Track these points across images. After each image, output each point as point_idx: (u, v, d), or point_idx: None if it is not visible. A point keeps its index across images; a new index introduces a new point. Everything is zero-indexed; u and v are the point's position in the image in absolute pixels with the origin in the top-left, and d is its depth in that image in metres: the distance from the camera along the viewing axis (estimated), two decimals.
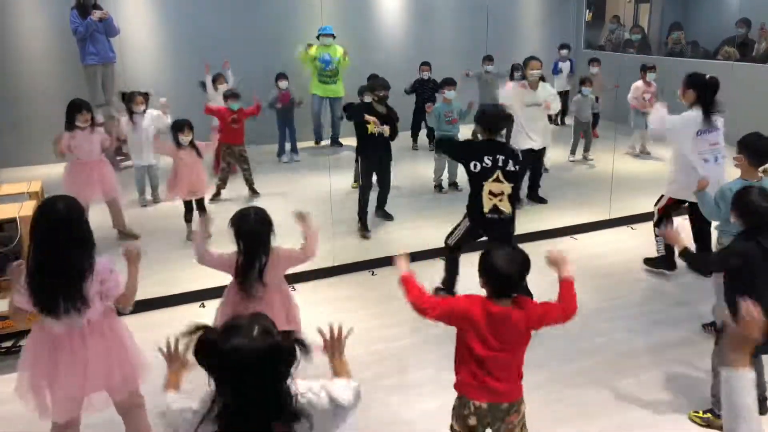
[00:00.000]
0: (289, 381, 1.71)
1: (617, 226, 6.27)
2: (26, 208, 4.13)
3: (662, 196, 5.02)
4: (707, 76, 4.73)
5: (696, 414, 3.37)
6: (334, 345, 2.22)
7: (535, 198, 6.90)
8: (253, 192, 7.06)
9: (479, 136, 4.56)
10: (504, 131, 8.53)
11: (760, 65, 8.86)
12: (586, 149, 8.56)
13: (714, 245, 4.14)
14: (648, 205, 6.10)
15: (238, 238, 3.13)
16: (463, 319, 2.52)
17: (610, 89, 8.79)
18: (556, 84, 9.93)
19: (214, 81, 7.84)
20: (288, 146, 8.69)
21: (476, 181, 4.32)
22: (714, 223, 4.29)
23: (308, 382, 1.85)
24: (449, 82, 7.04)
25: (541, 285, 4.89)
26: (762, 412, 3.42)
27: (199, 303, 4.70)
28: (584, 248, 5.79)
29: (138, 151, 6.62)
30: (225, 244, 3.24)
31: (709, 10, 11.31)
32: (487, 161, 4.27)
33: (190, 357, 1.77)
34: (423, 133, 9.11)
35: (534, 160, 6.74)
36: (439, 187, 7.23)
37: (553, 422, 3.40)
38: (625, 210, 6.41)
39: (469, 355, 2.54)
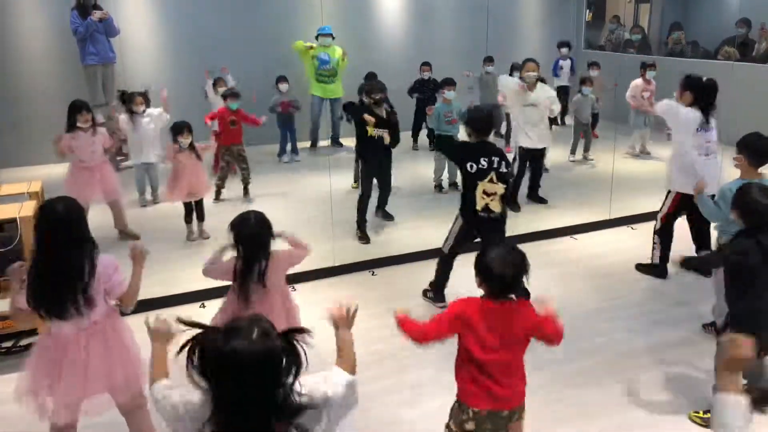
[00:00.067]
0: (290, 380, 1.70)
1: (617, 226, 6.27)
2: (26, 209, 4.13)
3: (667, 196, 5.00)
4: (704, 79, 4.74)
5: (696, 414, 3.37)
6: (341, 319, 2.23)
7: (535, 198, 6.91)
8: (246, 193, 7.02)
9: (470, 137, 4.57)
10: (501, 130, 8.63)
11: (760, 65, 8.86)
12: (586, 149, 8.56)
13: (714, 245, 4.14)
14: (648, 205, 6.11)
15: (238, 242, 3.14)
16: (460, 322, 2.50)
17: (609, 89, 8.79)
18: (557, 81, 9.94)
19: (215, 84, 7.85)
20: (288, 147, 8.69)
21: (472, 180, 4.35)
22: (713, 224, 4.28)
23: (308, 377, 1.85)
24: (449, 83, 7.04)
25: (541, 285, 4.91)
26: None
27: (200, 303, 4.70)
28: (584, 248, 5.79)
29: (138, 150, 6.60)
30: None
31: (709, 10, 11.31)
32: (483, 162, 4.31)
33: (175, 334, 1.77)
34: (423, 134, 9.11)
35: (534, 160, 6.75)
36: (439, 187, 7.23)
37: (553, 422, 3.40)
38: (625, 210, 6.41)
39: (469, 359, 2.52)
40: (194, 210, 5.87)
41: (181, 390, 1.88)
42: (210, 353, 1.64)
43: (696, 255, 3.33)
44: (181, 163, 5.61)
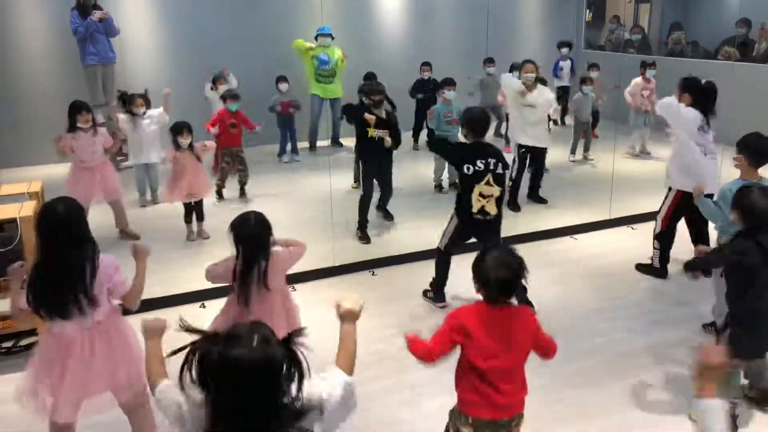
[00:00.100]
0: (291, 386, 1.70)
1: (617, 226, 6.27)
2: (26, 209, 4.13)
3: (667, 195, 4.99)
4: (704, 81, 4.74)
5: None
6: (350, 313, 2.24)
7: (536, 198, 6.91)
8: (243, 194, 7.03)
9: (466, 138, 4.57)
10: (501, 130, 8.62)
11: (760, 65, 8.86)
12: (586, 149, 8.56)
13: (714, 245, 4.14)
14: (648, 205, 6.11)
15: (238, 243, 3.14)
16: (459, 333, 2.47)
17: (610, 89, 8.79)
18: (557, 82, 9.94)
19: (215, 81, 7.84)
20: (288, 147, 8.69)
21: (468, 183, 4.35)
22: (713, 224, 4.28)
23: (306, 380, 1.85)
24: (449, 83, 7.04)
25: (541, 285, 4.91)
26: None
27: (200, 303, 4.70)
28: (584, 248, 5.79)
29: (138, 150, 6.60)
30: (225, 245, 3.24)
31: (709, 10, 11.31)
32: (480, 164, 4.30)
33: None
34: (424, 134, 9.10)
35: (535, 160, 6.75)
36: (439, 187, 7.23)
37: (553, 422, 3.40)
38: (625, 210, 6.41)
39: (470, 368, 2.49)
40: (194, 210, 5.88)
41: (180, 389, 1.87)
42: (210, 361, 1.63)
43: (695, 257, 3.33)
44: (181, 163, 5.60)
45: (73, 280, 2.65)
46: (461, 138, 4.73)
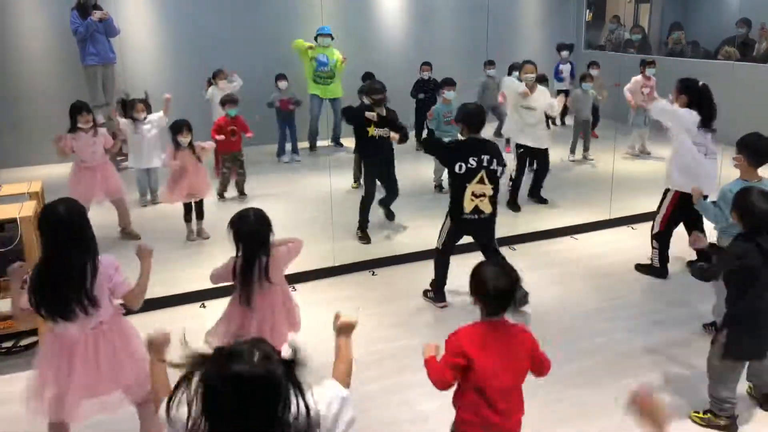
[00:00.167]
0: (291, 403, 1.69)
1: (617, 226, 6.27)
2: (27, 209, 4.13)
3: (665, 196, 4.99)
4: (700, 83, 4.74)
5: (696, 414, 3.38)
6: (347, 326, 2.23)
7: (536, 197, 6.90)
8: (241, 194, 7.07)
9: (461, 134, 4.57)
10: (500, 129, 8.61)
11: (760, 65, 8.86)
12: (586, 149, 8.56)
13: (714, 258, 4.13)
14: (648, 204, 6.10)
15: (238, 240, 3.14)
16: (462, 355, 2.45)
17: (610, 86, 8.79)
18: (557, 85, 9.93)
19: (215, 77, 7.83)
20: (288, 146, 8.68)
21: (460, 182, 4.34)
22: (710, 224, 4.27)
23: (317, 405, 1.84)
24: (449, 83, 7.03)
25: (541, 285, 4.92)
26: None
27: (200, 303, 4.70)
28: (584, 248, 5.79)
29: (138, 155, 6.59)
30: (225, 245, 3.24)
31: (710, 10, 11.31)
32: (472, 162, 4.29)
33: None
34: (425, 134, 9.09)
35: (537, 160, 6.75)
36: (439, 187, 7.23)
37: (553, 422, 3.40)
38: (625, 210, 6.41)
39: (470, 388, 2.47)
40: (194, 209, 5.88)
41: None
42: (211, 377, 1.62)
43: (701, 265, 3.32)
44: (182, 163, 5.60)
45: (74, 281, 2.65)
46: (460, 138, 4.73)
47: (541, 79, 7.25)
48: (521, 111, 6.52)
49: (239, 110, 6.93)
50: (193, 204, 5.85)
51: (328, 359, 2.21)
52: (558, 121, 10.54)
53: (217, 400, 1.62)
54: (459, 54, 9.87)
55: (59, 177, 6.46)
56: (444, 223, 4.62)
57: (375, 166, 5.88)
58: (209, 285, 3.48)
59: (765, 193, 3.15)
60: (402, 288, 5.00)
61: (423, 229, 6.01)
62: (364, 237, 5.83)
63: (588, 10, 11.74)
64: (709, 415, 3.32)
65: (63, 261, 2.65)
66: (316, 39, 8.63)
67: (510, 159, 6.66)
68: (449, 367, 2.46)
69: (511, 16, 10.87)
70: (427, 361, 2.55)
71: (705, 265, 3.30)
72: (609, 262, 5.46)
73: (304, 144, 9.02)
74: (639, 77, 8.36)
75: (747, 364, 3.38)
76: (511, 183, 6.68)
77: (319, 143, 9.15)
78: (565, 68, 10.08)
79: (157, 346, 2.22)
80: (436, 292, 4.69)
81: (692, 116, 4.71)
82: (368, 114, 5.61)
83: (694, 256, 4.99)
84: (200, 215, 5.90)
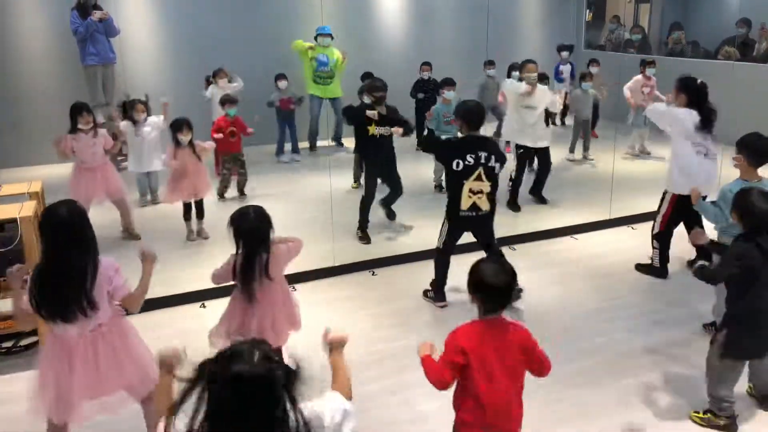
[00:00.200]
0: (290, 404, 1.69)
1: (617, 226, 6.27)
2: (27, 209, 4.13)
3: (664, 197, 5.00)
4: (698, 81, 4.74)
5: (696, 414, 3.38)
6: (339, 341, 2.21)
7: (537, 195, 6.89)
8: (241, 194, 7.09)
9: (461, 131, 4.57)
10: (501, 130, 8.62)
11: (760, 65, 8.86)
12: (586, 148, 8.56)
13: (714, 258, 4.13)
14: (648, 204, 6.10)
15: (238, 237, 3.14)
16: (461, 354, 2.45)
17: (610, 84, 8.79)
18: (557, 86, 9.92)
19: (215, 76, 7.83)
20: (288, 146, 8.68)
21: (457, 179, 4.35)
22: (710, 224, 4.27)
23: (307, 403, 1.84)
24: (449, 83, 7.03)
25: (541, 285, 4.92)
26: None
27: (200, 303, 4.70)
28: (584, 248, 5.79)
29: (138, 158, 6.59)
30: (225, 245, 3.24)
31: (710, 10, 11.31)
32: (470, 159, 4.30)
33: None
34: (425, 134, 9.09)
35: (538, 158, 6.74)
36: (439, 187, 7.23)
37: (553, 422, 3.40)
38: (625, 210, 6.41)
39: (469, 388, 2.47)
40: (193, 207, 5.87)
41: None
42: (212, 377, 1.63)
43: (702, 263, 3.32)
44: (182, 162, 5.60)
45: (74, 282, 2.65)
46: (460, 135, 4.73)
47: (542, 78, 7.25)
48: (522, 111, 6.52)
49: (239, 111, 6.93)
50: (193, 203, 5.85)
51: (327, 358, 2.21)
52: (558, 121, 10.54)
53: (218, 400, 1.63)
54: (459, 54, 9.87)
55: (59, 177, 6.46)
56: (443, 222, 4.63)
57: (376, 165, 5.86)
58: (209, 285, 3.48)
59: (765, 194, 3.15)
60: (402, 288, 5.00)
61: (423, 229, 6.01)
62: (364, 237, 5.83)
63: (588, 10, 11.74)
64: (708, 415, 3.32)
65: (64, 262, 2.65)
66: (316, 39, 8.63)
67: (510, 159, 6.68)
68: (448, 367, 2.45)
69: (511, 16, 10.86)
70: (423, 360, 2.54)
71: (707, 264, 3.30)
72: (609, 262, 5.46)
73: (304, 144, 9.01)
74: (639, 77, 8.36)
75: (747, 364, 3.39)
76: (511, 183, 6.68)
77: (319, 143, 9.14)
78: (566, 69, 10.08)
79: (168, 364, 2.19)
80: (436, 291, 4.69)
81: (691, 116, 4.70)
82: (369, 113, 5.60)
83: (694, 256, 5.00)
84: (200, 214, 5.90)
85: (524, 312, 4.30)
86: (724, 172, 4.86)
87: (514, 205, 6.66)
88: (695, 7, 11.60)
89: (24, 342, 4.19)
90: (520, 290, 4.27)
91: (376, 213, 6.14)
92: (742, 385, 3.44)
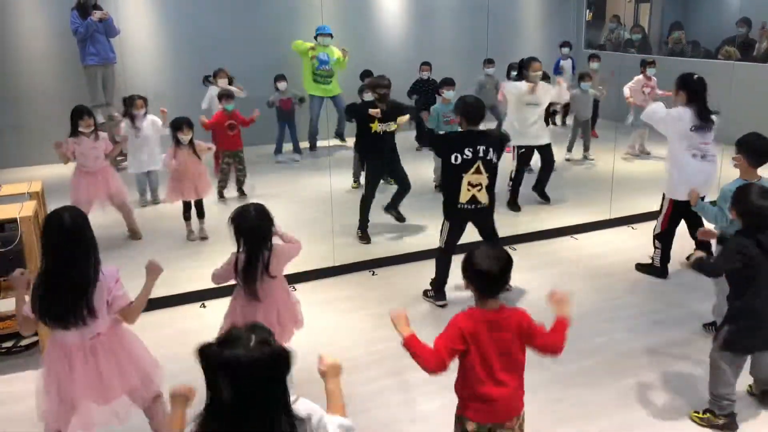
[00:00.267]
0: (290, 394, 1.70)
1: (617, 226, 6.27)
2: (27, 209, 4.13)
3: (663, 199, 5.00)
4: (695, 77, 4.73)
5: (696, 414, 3.37)
6: (334, 367, 2.16)
7: (540, 193, 6.87)
8: (241, 193, 7.09)
9: (461, 126, 4.57)
10: (499, 129, 8.62)
11: (761, 65, 8.85)
12: (586, 148, 8.55)
13: (714, 245, 4.13)
14: (648, 204, 6.11)
15: (239, 236, 3.14)
16: (461, 339, 2.44)
17: (609, 78, 8.79)
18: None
19: (215, 76, 7.83)
20: (287, 146, 8.67)
21: (456, 173, 4.35)
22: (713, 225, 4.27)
23: (312, 405, 1.85)
24: (448, 83, 7.02)
25: (541, 285, 4.91)
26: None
27: (200, 303, 4.70)
28: (584, 248, 5.79)
29: (137, 157, 6.60)
30: (225, 245, 3.24)
31: (710, 10, 11.30)
32: (468, 153, 4.30)
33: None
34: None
35: (540, 156, 6.74)
36: (439, 187, 7.22)
37: (554, 422, 3.40)
38: (626, 210, 6.41)
39: (472, 374, 2.48)
40: (193, 207, 5.87)
41: None
42: (209, 363, 1.64)
43: (701, 256, 3.32)
44: (183, 163, 5.60)
45: (76, 289, 2.64)
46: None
47: (543, 78, 7.25)
48: (524, 109, 6.49)
49: (238, 106, 6.92)
50: (193, 202, 5.85)
51: (320, 354, 2.21)
52: (559, 121, 10.54)
53: (214, 383, 1.64)
54: (459, 54, 9.87)
55: (59, 177, 6.47)
56: (443, 221, 4.62)
57: (379, 163, 5.83)
58: (209, 285, 3.48)
59: (764, 190, 3.15)
60: (402, 288, 5.00)
61: (423, 229, 6.02)
62: (364, 237, 5.83)
63: (588, 10, 11.74)
64: (708, 414, 3.32)
65: (66, 269, 2.64)
66: (315, 38, 8.63)
67: (510, 160, 6.69)
68: (448, 354, 2.44)
69: (511, 16, 10.86)
70: (410, 343, 2.44)
71: (705, 256, 3.31)
72: (609, 262, 5.46)
73: (304, 144, 9.01)
74: (640, 77, 8.36)
75: (749, 360, 3.38)
76: (511, 183, 6.68)
77: (319, 143, 9.14)
78: (566, 64, 10.10)
79: (181, 400, 2.12)
80: (437, 291, 4.69)
81: (686, 115, 4.68)
82: (372, 111, 5.58)
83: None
84: (201, 214, 5.90)
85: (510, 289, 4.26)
86: (724, 172, 4.86)
87: (514, 205, 6.66)
88: (695, 7, 11.60)
89: (24, 342, 4.19)
90: (509, 288, 4.28)
91: (376, 213, 6.13)
92: (742, 384, 3.44)
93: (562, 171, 8.06)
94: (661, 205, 5.01)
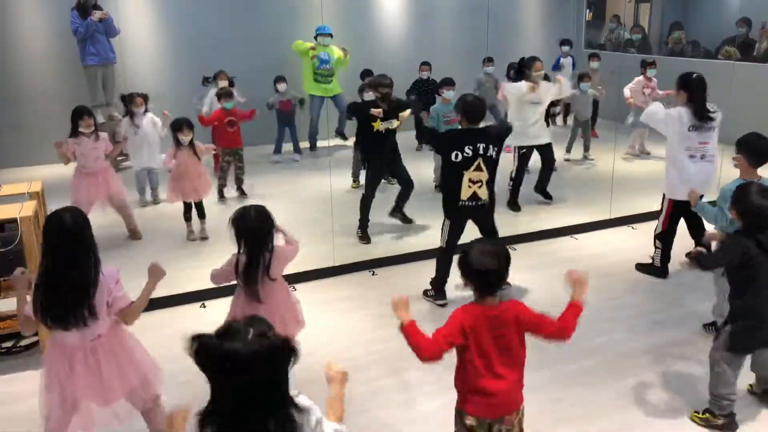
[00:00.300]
0: (290, 385, 1.71)
1: (617, 226, 6.27)
2: (27, 209, 4.13)
3: (663, 200, 5.00)
4: (694, 75, 4.73)
5: (696, 414, 3.38)
6: (340, 378, 2.16)
7: (542, 192, 6.86)
8: (242, 193, 7.10)
9: (461, 125, 4.58)
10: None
11: (761, 65, 8.85)
12: (586, 148, 8.55)
13: (714, 246, 4.13)
14: (648, 204, 6.11)
15: (239, 237, 3.14)
16: (461, 334, 2.45)
17: (608, 77, 8.78)
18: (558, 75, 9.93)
19: (216, 78, 7.82)
20: (286, 146, 8.66)
21: (457, 170, 4.36)
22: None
23: (312, 404, 1.85)
24: (448, 83, 7.02)
25: (541, 285, 4.91)
26: None
27: (200, 303, 4.70)
28: (584, 248, 5.79)
29: (138, 154, 6.62)
30: (225, 245, 3.24)
31: (710, 10, 11.30)
32: (468, 151, 4.31)
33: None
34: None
35: (541, 156, 6.74)
36: (439, 187, 7.22)
37: (554, 422, 3.40)
38: (626, 210, 6.41)
39: (471, 369, 2.48)
40: (194, 207, 5.87)
41: None
42: (208, 355, 1.64)
43: (702, 252, 3.32)
44: (182, 163, 5.60)
45: (77, 289, 2.64)
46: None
47: (544, 78, 7.25)
48: (526, 108, 6.47)
49: (237, 105, 6.93)
50: (193, 203, 5.85)
51: (327, 358, 2.21)
52: (561, 121, 10.55)
53: (213, 376, 1.65)
54: (459, 54, 9.87)
55: (59, 177, 6.47)
56: (444, 220, 4.63)
57: (381, 162, 5.81)
58: (209, 285, 3.48)
59: (764, 189, 3.15)
60: (402, 288, 4.99)
61: (423, 229, 6.02)
62: (364, 237, 5.83)
63: (588, 10, 11.74)
64: (707, 415, 3.32)
65: (67, 270, 2.64)
66: (316, 38, 8.63)
67: (511, 160, 6.69)
68: (447, 345, 2.45)
69: (511, 16, 10.86)
70: (409, 331, 2.46)
71: (703, 250, 3.31)
72: (609, 262, 5.46)
73: (304, 144, 9.01)
74: (641, 77, 8.36)
75: (750, 358, 3.38)
76: (511, 183, 6.68)
77: (319, 143, 9.14)
78: (566, 61, 10.11)
79: (177, 426, 2.09)
80: (437, 290, 4.69)
81: (685, 115, 4.66)
82: (374, 111, 5.57)
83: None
84: (202, 215, 5.90)
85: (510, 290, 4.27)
86: (724, 172, 4.86)
87: (514, 205, 6.66)
88: (695, 7, 11.60)
89: (24, 342, 4.19)
90: (508, 284, 4.28)
91: (377, 213, 6.14)
92: (742, 384, 3.44)
93: (562, 171, 8.06)
94: (662, 205, 5.02)
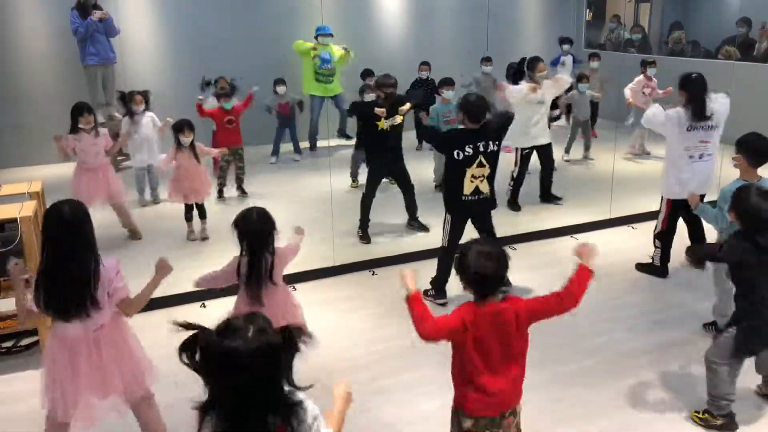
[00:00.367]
0: (287, 372, 1.71)
1: (617, 226, 6.27)
2: (27, 209, 4.13)
3: (661, 200, 5.01)
4: (694, 75, 4.73)
5: (696, 414, 3.38)
6: (344, 394, 2.16)
7: (549, 198, 6.86)
8: (242, 192, 7.10)
9: (463, 124, 4.58)
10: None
11: (761, 65, 8.85)
12: (586, 148, 8.55)
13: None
14: (648, 204, 6.11)
15: (242, 240, 3.14)
16: (462, 329, 2.46)
17: (609, 77, 8.78)
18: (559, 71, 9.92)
19: (216, 82, 7.82)
20: (285, 146, 8.65)
21: (459, 167, 4.39)
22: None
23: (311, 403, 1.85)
24: (448, 82, 7.02)
25: (541, 285, 4.91)
26: None
27: (200, 303, 4.71)
28: None
29: (138, 152, 6.63)
30: (225, 245, 3.24)
31: (710, 10, 11.30)
32: (469, 149, 4.35)
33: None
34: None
35: (540, 157, 6.73)
36: (439, 186, 7.22)
37: (554, 422, 3.40)
38: (626, 210, 6.41)
39: (468, 366, 2.49)
40: (195, 207, 5.87)
41: None
42: (207, 352, 1.65)
43: (700, 247, 3.33)
44: (183, 165, 5.60)
45: (78, 280, 2.65)
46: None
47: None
48: (529, 108, 6.47)
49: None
50: (194, 203, 5.85)
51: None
52: (563, 121, 10.53)
53: (213, 373, 1.65)
54: (459, 54, 9.86)
55: (59, 177, 6.47)
56: (445, 219, 4.62)
57: (383, 161, 5.80)
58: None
59: (763, 192, 3.15)
60: (402, 288, 4.99)
61: (423, 229, 6.01)
62: (364, 237, 5.83)
63: (588, 10, 11.74)
64: (706, 415, 3.32)
65: (68, 261, 2.65)
66: (316, 38, 8.63)
67: (511, 160, 6.69)
68: (446, 330, 2.47)
69: (511, 15, 10.85)
70: (414, 302, 2.53)
71: (706, 244, 3.32)
72: (609, 262, 5.45)
73: (304, 144, 9.01)
74: (641, 77, 8.37)
75: (754, 360, 3.38)
76: (512, 183, 6.68)
77: (319, 143, 9.13)
78: (567, 59, 10.10)
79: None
80: (437, 289, 4.69)
81: (684, 115, 4.66)
82: (378, 110, 5.56)
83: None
84: (203, 215, 5.90)
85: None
86: (724, 172, 4.86)
87: (514, 204, 6.66)
88: (695, 7, 11.60)
89: (24, 342, 4.19)
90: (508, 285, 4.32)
91: (377, 213, 6.14)
92: (743, 384, 3.44)
93: (562, 171, 8.05)
94: (660, 208, 5.02)
